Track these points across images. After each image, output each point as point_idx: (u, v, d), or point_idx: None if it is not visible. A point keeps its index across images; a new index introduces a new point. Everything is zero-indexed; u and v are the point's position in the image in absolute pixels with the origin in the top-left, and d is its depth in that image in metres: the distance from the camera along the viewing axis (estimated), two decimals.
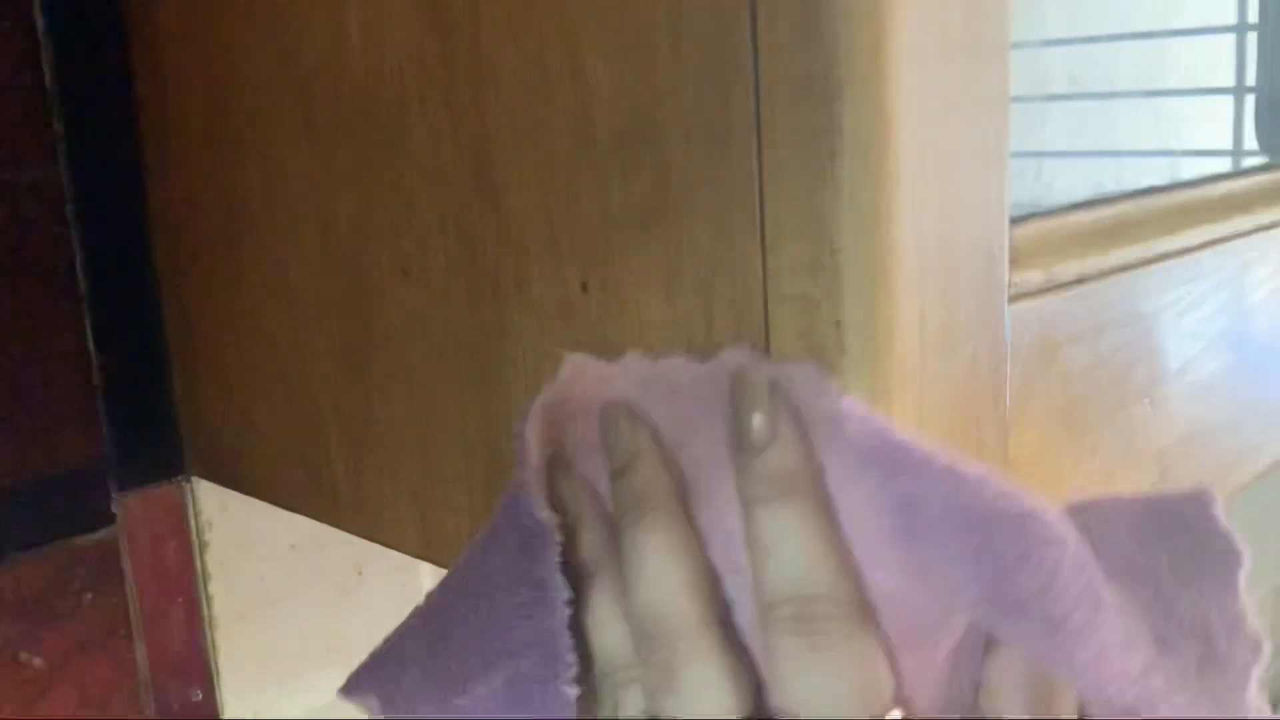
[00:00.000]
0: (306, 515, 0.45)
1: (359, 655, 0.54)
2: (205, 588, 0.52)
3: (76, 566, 0.48)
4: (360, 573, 0.56)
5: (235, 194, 0.43)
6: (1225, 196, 0.37)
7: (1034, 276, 0.30)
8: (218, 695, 0.53)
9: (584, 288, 0.31)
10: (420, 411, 0.38)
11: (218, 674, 0.53)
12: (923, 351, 0.27)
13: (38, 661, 0.47)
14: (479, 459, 0.36)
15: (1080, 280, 0.32)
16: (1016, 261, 0.30)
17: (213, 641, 0.52)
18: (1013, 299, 0.30)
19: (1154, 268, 0.34)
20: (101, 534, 0.49)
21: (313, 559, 0.55)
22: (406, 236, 0.36)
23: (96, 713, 0.49)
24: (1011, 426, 0.30)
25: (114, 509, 0.49)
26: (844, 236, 0.26)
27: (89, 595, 0.49)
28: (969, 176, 0.27)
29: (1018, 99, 0.28)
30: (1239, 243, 0.37)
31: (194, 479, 0.51)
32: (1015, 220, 0.31)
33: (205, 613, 0.52)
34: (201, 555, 0.52)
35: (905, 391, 0.27)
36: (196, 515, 0.51)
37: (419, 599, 0.31)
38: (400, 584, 0.57)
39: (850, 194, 0.26)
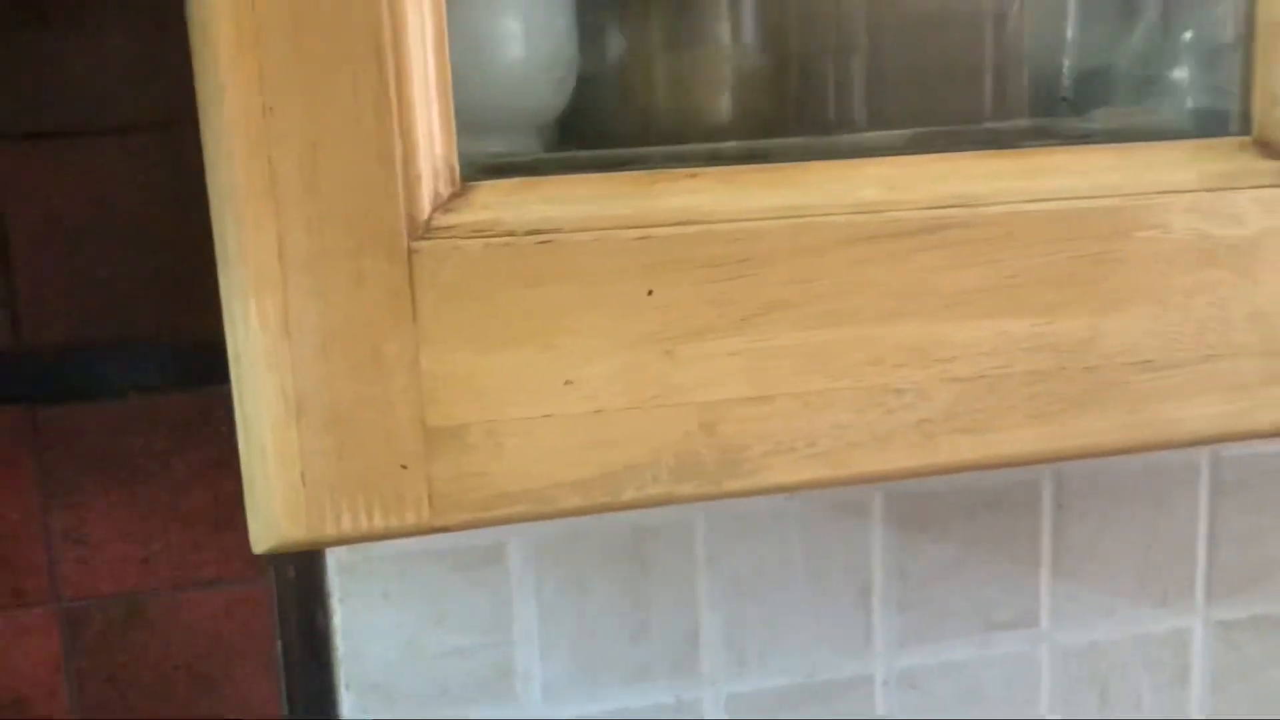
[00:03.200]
0: None
1: None
2: None
3: (219, 407, 0.68)
4: None
5: None
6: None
7: (469, 221, 0.36)
8: None
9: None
10: None
11: None
12: (284, 266, 0.35)
13: (183, 467, 0.68)
14: None
15: (538, 232, 0.37)
16: (450, 209, 0.36)
17: None
18: (430, 236, 0.36)
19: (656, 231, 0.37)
20: None
21: None
22: None
23: (225, 513, 0.69)
24: (428, 345, 0.36)
25: None
26: (212, 166, 0.35)
27: (225, 428, 0.68)
28: (340, 127, 0.35)
29: None
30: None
31: None
32: (485, 174, 0.37)
33: None
34: None
35: (266, 297, 0.35)
36: None
37: None
38: None
39: (209, 131, 0.35)
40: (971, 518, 0.77)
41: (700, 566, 0.74)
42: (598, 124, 0.50)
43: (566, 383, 0.38)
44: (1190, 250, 0.41)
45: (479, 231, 0.36)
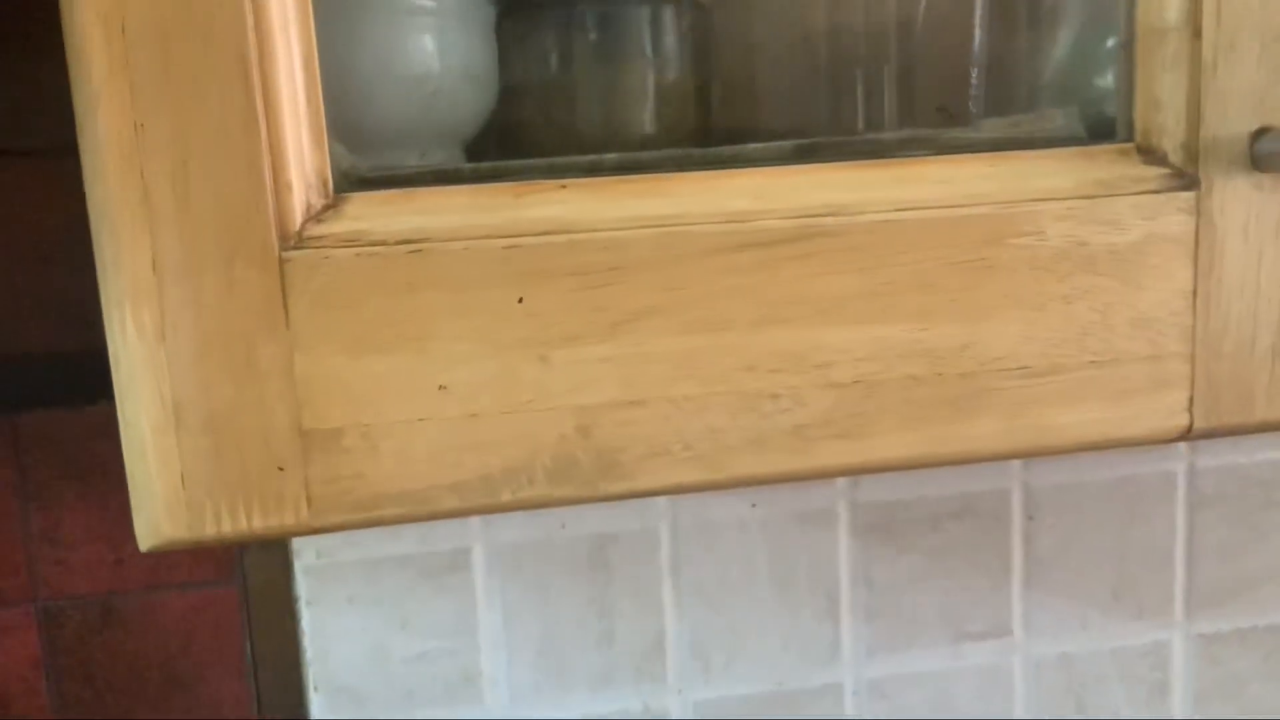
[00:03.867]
0: None
1: None
2: None
3: None
4: None
5: None
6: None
7: (340, 231, 0.38)
8: None
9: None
10: None
11: None
12: (158, 275, 0.37)
13: None
14: None
15: (409, 241, 0.38)
16: (322, 220, 0.38)
17: None
18: (302, 246, 0.37)
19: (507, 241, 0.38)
20: None
21: None
22: None
23: None
24: (301, 351, 0.38)
25: None
26: (89, 180, 0.37)
27: None
28: (209, 142, 0.36)
29: None
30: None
31: None
32: (357, 186, 0.39)
33: None
34: None
35: (141, 305, 0.37)
36: None
37: None
38: None
39: (85, 148, 0.36)
40: (938, 528, 0.77)
41: (665, 574, 0.75)
42: (522, 137, 0.51)
43: (440, 387, 0.39)
44: (1067, 257, 0.41)
45: (350, 241, 0.38)
